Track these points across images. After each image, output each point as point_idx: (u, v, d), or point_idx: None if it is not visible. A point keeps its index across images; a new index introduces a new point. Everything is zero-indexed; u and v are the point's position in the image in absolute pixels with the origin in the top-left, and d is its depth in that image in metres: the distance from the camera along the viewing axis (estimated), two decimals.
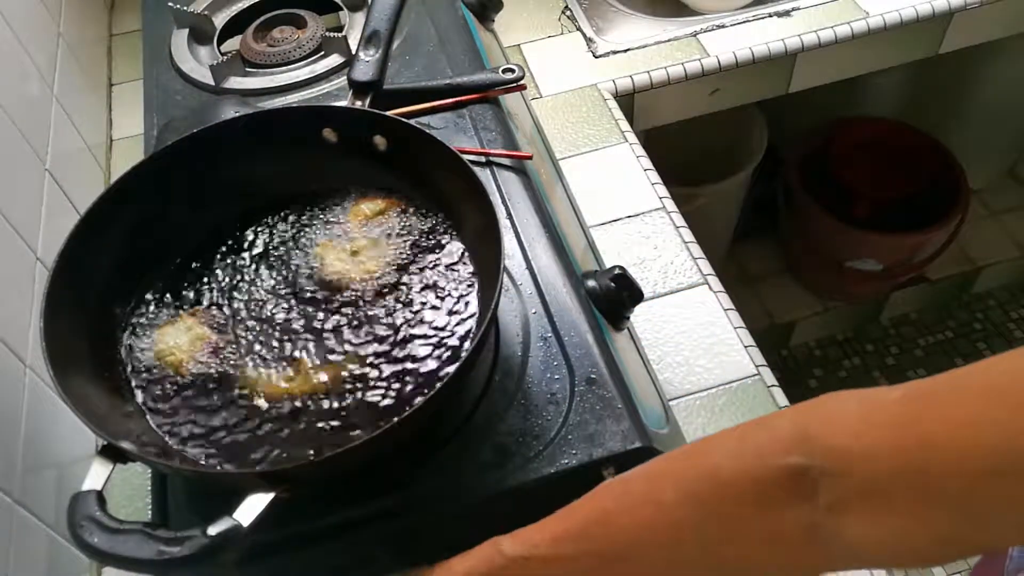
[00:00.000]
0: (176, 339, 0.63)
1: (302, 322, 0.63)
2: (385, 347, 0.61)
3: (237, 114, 0.76)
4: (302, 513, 0.56)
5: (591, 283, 0.67)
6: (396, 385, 0.59)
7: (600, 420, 0.57)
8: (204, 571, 0.48)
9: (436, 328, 0.61)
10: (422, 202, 0.68)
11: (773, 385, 0.80)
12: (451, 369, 0.58)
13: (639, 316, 0.84)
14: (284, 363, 0.61)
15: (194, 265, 0.67)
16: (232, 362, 0.62)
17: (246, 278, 0.66)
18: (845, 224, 1.62)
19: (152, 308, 0.65)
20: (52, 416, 0.69)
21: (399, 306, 0.63)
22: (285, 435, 0.57)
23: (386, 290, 0.64)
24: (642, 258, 0.88)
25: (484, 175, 0.73)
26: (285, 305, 0.64)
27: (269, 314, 0.64)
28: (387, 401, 0.58)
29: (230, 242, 0.69)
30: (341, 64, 0.89)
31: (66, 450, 0.70)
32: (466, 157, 0.61)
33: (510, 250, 0.67)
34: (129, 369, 0.62)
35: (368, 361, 0.60)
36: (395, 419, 0.51)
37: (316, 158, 0.69)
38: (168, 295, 0.66)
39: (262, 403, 0.59)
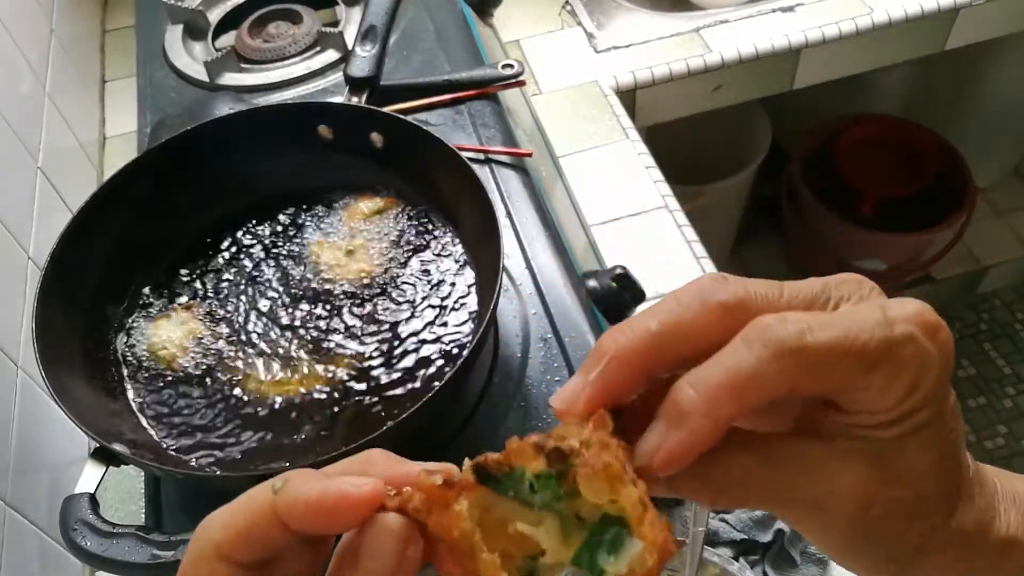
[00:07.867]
0: (170, 333, 0.62)
1: (297, 320, 0.62)
2: (381, 347, 0.60)
3: (232, 111, 0.75)
4: None
5: (592, 283, 0.66)
6: (393, 386, 0.58)
7: None
8: None
9: (433, 328, 0.60)
10: (420, 200, 0.67)
11: None
12: (449, 370, 0.57)
13: None
14: (278, 362, 0.60)
15: (188, 263, 0.67)
16: (226, 360, 0.61)
17: (241, 276, 0.65)
18: (849, 223, 1.60)
19: (146, 307, 0.64)
20: (44, 418, 0.68)
21: (395, 306, 0.62)
22: (280, 436, 0.56)
23: (382, 290, 0.63)
24: (644, 257, 0.87)
25: (483, 173, 0.72)
26: (280, 304, 0.63)
27: (264, 313, 0.63)
28: (384, 402, 0.57)
29: (225, 240, 0.68)
30: (337, 60, 0.88)
31: (59, 452, 0.69)
32: (464, 154, 0.61)
33: (509, 249, 0.66)
34: (122, 369, 0.61)
35: (364, 361, 0.59)
36: (393, 421, 0.50)
37: (312, 155, 0.68)
38: (162, 294, 0.65)
39: (256, 403, 0.58)
